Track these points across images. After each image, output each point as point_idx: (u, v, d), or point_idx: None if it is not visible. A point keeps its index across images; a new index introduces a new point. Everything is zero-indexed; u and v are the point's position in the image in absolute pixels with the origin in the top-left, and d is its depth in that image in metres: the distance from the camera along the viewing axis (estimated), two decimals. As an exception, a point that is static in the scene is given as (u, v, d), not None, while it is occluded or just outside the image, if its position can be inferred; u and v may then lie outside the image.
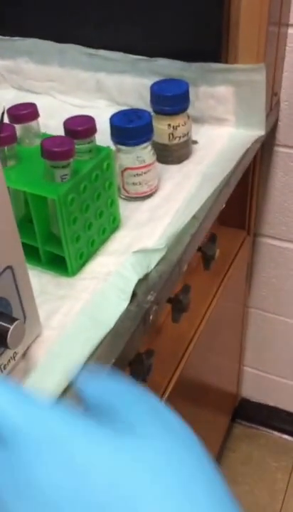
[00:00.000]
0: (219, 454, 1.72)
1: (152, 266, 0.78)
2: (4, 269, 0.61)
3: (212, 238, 1.08)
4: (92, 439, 0.32)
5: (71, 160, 0.71)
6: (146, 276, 0.77)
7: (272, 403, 1.79)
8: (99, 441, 0.32)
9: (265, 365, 1.70)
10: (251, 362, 1.71)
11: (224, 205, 0.95)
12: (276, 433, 1.83)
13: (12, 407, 0.32)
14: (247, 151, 1.01)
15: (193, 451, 0.33)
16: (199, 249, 1.03)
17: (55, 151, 0.69)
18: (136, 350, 0.77)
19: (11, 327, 0.59)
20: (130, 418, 0.35)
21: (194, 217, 0.86)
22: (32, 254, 0.77)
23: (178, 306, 0.97)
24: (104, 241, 0.81)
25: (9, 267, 0.61)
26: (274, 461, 1.78)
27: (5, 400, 0.33)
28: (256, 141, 1.04)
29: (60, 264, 0.77)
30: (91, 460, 0.31)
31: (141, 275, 0.76)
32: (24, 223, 0.79)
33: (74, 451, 0.31)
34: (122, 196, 0.90)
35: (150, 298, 0.76)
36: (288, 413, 1.78)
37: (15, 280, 0.63)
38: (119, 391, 0.38)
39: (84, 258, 0.78)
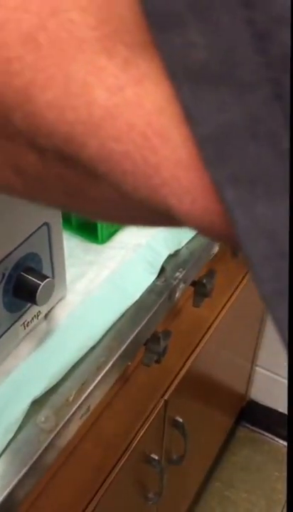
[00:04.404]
0: (219, 455, 1.78)
1: (183, 243, 0.83)
2: (41, 225, 0.66)
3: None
4: None
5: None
6: (176, 253, 0.82)
7: (281, 409, 1.84)
8: None
9: (278, 368, 1.74)
10: (264, 362, 1.76)
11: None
12: (281, 441, 1.88)
13: None
14: None
15: None
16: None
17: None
18: (157, 325, 0.82)
19: (42, 284, 0.64)
20: None
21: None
22: (63, 217, 0.82)
23: (201, 290, 1.02)
24: (137, 212, 0.86)
25: (46, 224, 0.66)
26: (275, 470, 1.83)
27: None
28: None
29: (90, 231, 0.82)
30: None
31: (171, 251, 0.81)
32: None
33: None
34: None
35: (178, 275, 0.81)
36: (296, 421, 1.83)
37: (49, 238, 0.68)
38: None
39: (116, 227, 0.83)
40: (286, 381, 0.18)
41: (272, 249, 0.16)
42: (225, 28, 0.15)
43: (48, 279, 0.64)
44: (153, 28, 0.17)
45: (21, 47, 0.17)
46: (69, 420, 0.66)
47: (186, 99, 0.16)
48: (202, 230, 0.18)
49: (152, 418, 1.04)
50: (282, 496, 1.77)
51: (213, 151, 0.16)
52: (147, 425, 1.03)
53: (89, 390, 0.68)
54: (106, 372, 0.70)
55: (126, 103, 0.17)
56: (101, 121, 0.17)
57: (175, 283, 0.80)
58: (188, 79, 0.16)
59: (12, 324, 0.67)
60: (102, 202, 0.21)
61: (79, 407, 0.67)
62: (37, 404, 0.66)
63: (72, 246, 0.82)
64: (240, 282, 1.26)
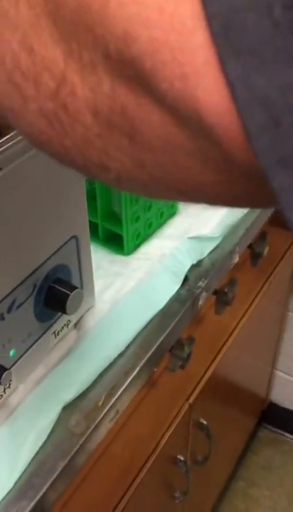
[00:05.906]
0: (241, 455, 1.76)
1: (206, 253, 0.83)
2: (70, 238, 0.66)
3: (262, 236, 1.12)
4: None
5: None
6: (199, 263, 0.82)
7: (300, 411, 1.82)
8: None
9: (298, 372, 1.73)
10: (284, 367, 1.74)
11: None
12: (301, 442, 1.86)
13: None
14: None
15: None
16: (249, 245, 1.07)
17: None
18: (181, 332, 0.81)
19: (71, 294, 0.64)
20: None
21: (251, 210, 0.90)
22: (90, 230, 0.82)
23: (223, 298, 1.01)
24: (161, 225, 0.86)
25: (74, 237, 0.66)
26: (296, 469, 1.81)
27: None
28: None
29: (117, 243, 0.82)
30: None
31: (194, 261, 0.81)
32: (87, 200, 0.84)
33: None
34: (181, 183, 0.94)
35: (201, 284, 0.80)
36: (316, 423, 1.81)
37: (78, 250, 0.68)
38: None
39: (141, 239, 0.83)
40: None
41: (267, 117, 0.16)
42: None
43: (77, 290, 0.64)
44: None
45: None
46: (98, 424, 0.65)
47: None
48: (219, 130, 0.18)
49: (178, 421, 1.03)
50: (303, 495, 1.75)
51: (219, 25, 0.16)
52: (173, 428, 1.02)
53: (117, 395, 0.67)
54: (133, 377, 0.69)
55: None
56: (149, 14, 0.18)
57: (198, 292, 0.79)
58: None
59: (43, 333, 0.67)
60: (157, 142, 0.20)
61: (108, 411, 0.66)
62: (68, 409, 0.65)
63: (99, 258, 0.82)
64: (260, 290, 1.25)
